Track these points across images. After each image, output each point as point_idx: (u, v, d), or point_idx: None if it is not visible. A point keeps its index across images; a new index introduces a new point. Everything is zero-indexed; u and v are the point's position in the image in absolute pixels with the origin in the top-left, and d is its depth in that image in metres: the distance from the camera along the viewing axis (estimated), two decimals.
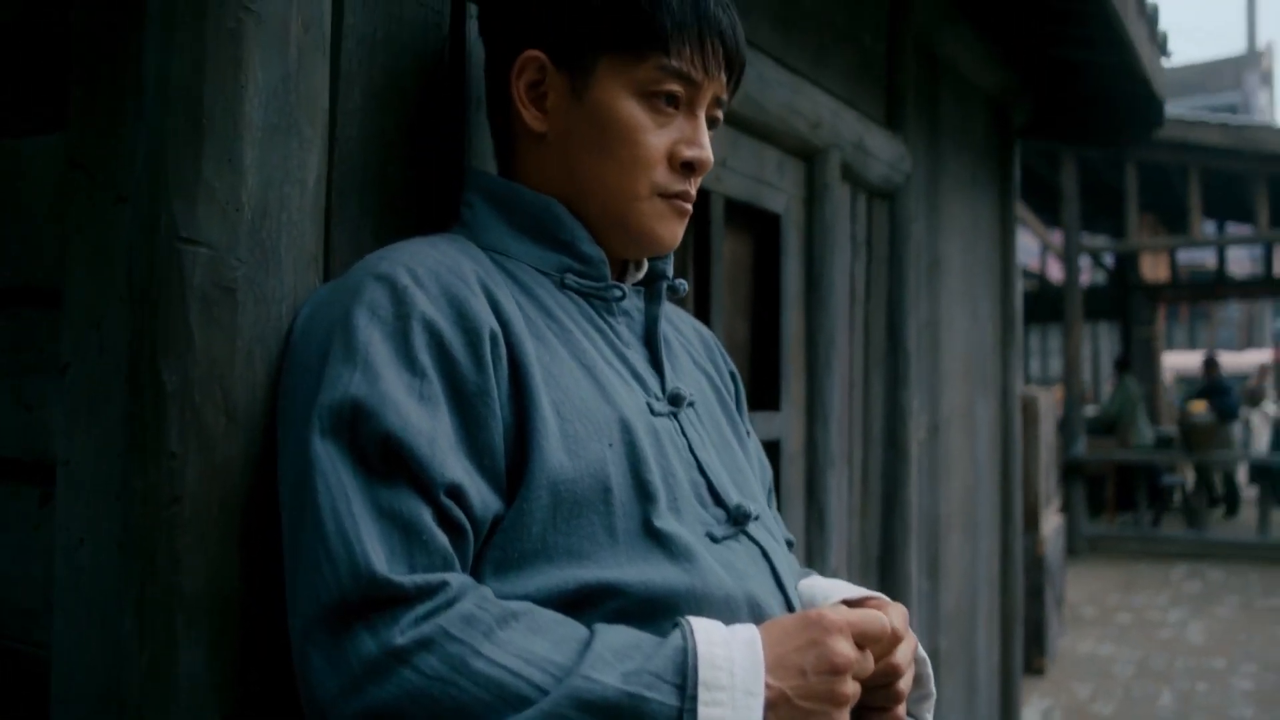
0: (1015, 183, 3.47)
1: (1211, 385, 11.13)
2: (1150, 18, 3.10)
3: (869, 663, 0.92)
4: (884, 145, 2.44)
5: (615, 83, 1.03)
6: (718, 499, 1.04)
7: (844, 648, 0.86)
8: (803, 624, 0.88)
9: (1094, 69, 3.19)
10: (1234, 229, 11.78)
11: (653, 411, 1.04)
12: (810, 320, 2.18)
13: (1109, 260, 12.25)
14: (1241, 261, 17.85)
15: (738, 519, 1.03)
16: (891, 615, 0.97)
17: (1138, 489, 9.71)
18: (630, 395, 1.03)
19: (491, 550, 0.90)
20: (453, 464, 0.87)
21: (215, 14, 0.92)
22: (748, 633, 0.87)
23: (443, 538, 0.85)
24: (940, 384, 2.93)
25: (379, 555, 0.81)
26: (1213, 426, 9.77)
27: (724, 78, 1.08)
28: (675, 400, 1.07)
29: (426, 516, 0.84)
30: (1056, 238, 10.71)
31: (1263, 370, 16.45)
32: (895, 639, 0.96)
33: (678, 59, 1.03)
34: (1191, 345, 21.46)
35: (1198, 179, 8.69)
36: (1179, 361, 17.54)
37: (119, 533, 0.93)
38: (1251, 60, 22.15)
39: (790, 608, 1.04)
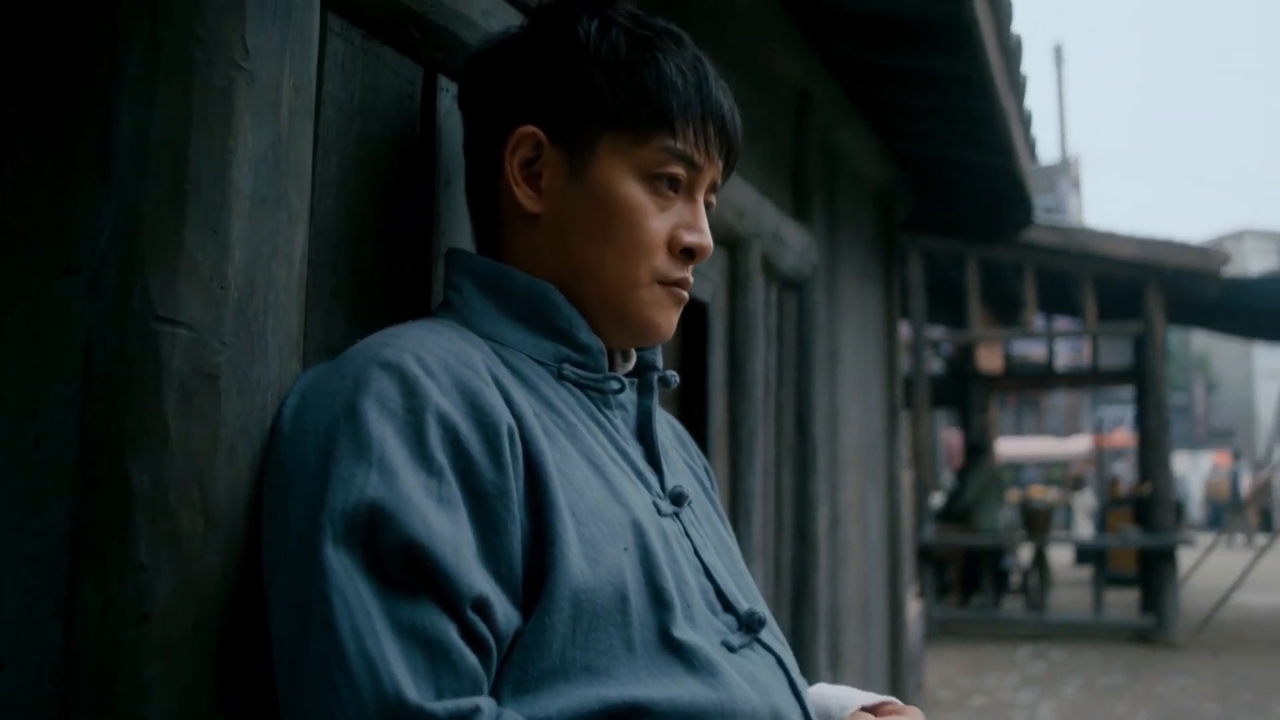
0: (897, 274, 3.57)
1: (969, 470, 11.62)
2: (1026, 122, 3.27)
3: None
4: (796, 236, 2.46)
5: (617, 163, 0.98)
6: (727, 605, 0.97)
7: None
8: None
9: (976, 169, 3.34)
10: (1060, 323, 12.49)
11: (659, 512, 0.97)
12: (733, 411, 2.15)
13: (946, 350, 12.79)
14: (1064, 354, 18.94)
15: (751, 626, 0.97)
16: None
17: (983, 572, 10.00)
18: (638, 495, 0.95)
19: (510, 669, 0.81)
20: (478, 575, 0.78)
21: (203, 70, 0.83)
22: None
23: (472, 658, 0.76)
24: (839, 474, 2.94)
25: (406, 679, 0.72)
26: (1050, 510, 10.20)
27: (721, 163, 1.04)
28: (677, 499, 1.01)
29: (453, 634, 0.76)
30: (903, 329, 11.13)
31: (1084, 462, 17.40)
32: None
33: (682, 141, 0.98)
34: (1019, 432, 22.56)
35: (1032, 276, 9.18)
36: (1009, 448, 18.40)
37: (55, 659, 0.80)
38: (1063, 168, 23.87)
39: (807, 718, 0.97)
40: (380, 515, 0.75)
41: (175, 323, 0.80)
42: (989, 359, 14.00)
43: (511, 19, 1.24)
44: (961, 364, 12.68)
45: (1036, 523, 10.01)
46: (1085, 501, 14.19)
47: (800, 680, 1.01)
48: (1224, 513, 18.24)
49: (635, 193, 0.98)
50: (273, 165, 0.87)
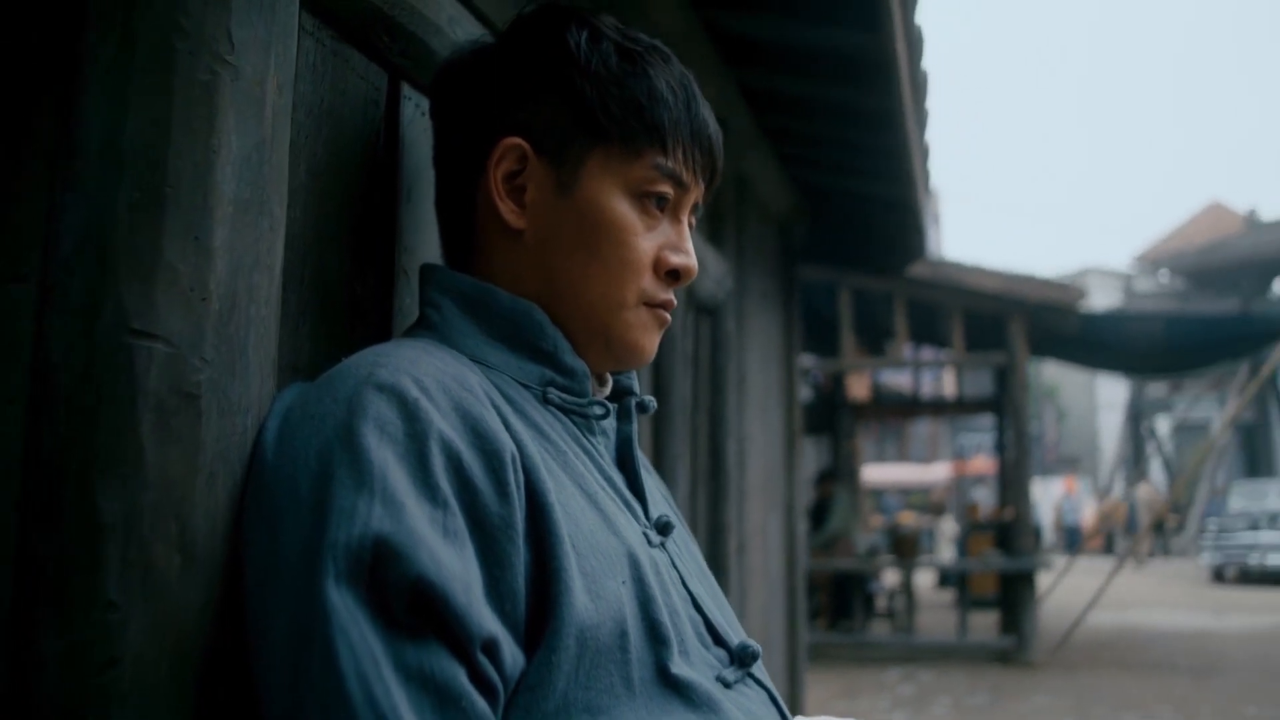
0: (797, 300, 3.61)
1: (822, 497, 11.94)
2: (925, 155, 3.36)
3: None
4: (714, 261, 2.46)
5: (607, 179, 0.94)
6: (717, 638, 0.94)
7: None
8: None
9: (874, 200, 3.41)
10: (926, 353, 12.90)
11: (649, 543, 0.94)
12: (658, 437, 2.12)
13: (816, 378, 13.05)
14: (924, 383, 19.58)
15: (744, 660, 0.94)
16: None
17: (853, 597, 10.20)
18: (629, 525, 0.92)
19: (515, 711, 0.76)
20: (487, 614, 0.74)
21: (185, 64, 0.76)
22: None
23: (482, 703, 0.71)
24: (745, 500, 2.94)
25: None
26: (918, 536, 10.48)
27: (705, 184, 1.02)
28: (664, 529, 0.97)
29: (463, 679, 0.71)
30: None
31: (945, 487, 17.99)
32: None
33: (671, 159, 0.96)
34: (882, 459, 23.19)
35: (903, 307, 9.45)
36: (873, 474, 18.89)
37: None
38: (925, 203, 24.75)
39: None
40: (386, 551, 0.70)
41: (152, 336, 0.73)
42: (857, 387, 14.35)
43: (474, 29, 1.20)
44: (832, 392, 12.96)
45: (905, 548, 10.27)
46: (947, 526, 14.63)
47: (790, 717, 0.98)
48: (1078, 537, 19.09)
49: (625, 211, 0.95)
50: (256, 169, 0.81)
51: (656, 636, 0.85)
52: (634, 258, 0.95)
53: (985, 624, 10.81)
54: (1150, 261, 29.49)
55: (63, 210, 0.75)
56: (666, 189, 0.96)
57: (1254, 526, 16.79)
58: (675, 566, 0.96)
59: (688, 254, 0.99)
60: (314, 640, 0.68)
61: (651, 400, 1.06)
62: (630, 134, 0.94)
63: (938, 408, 13.98)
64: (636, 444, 1.02)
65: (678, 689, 0.84)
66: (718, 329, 2.58)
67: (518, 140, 0.94)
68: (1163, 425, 27.99)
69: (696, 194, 1.00)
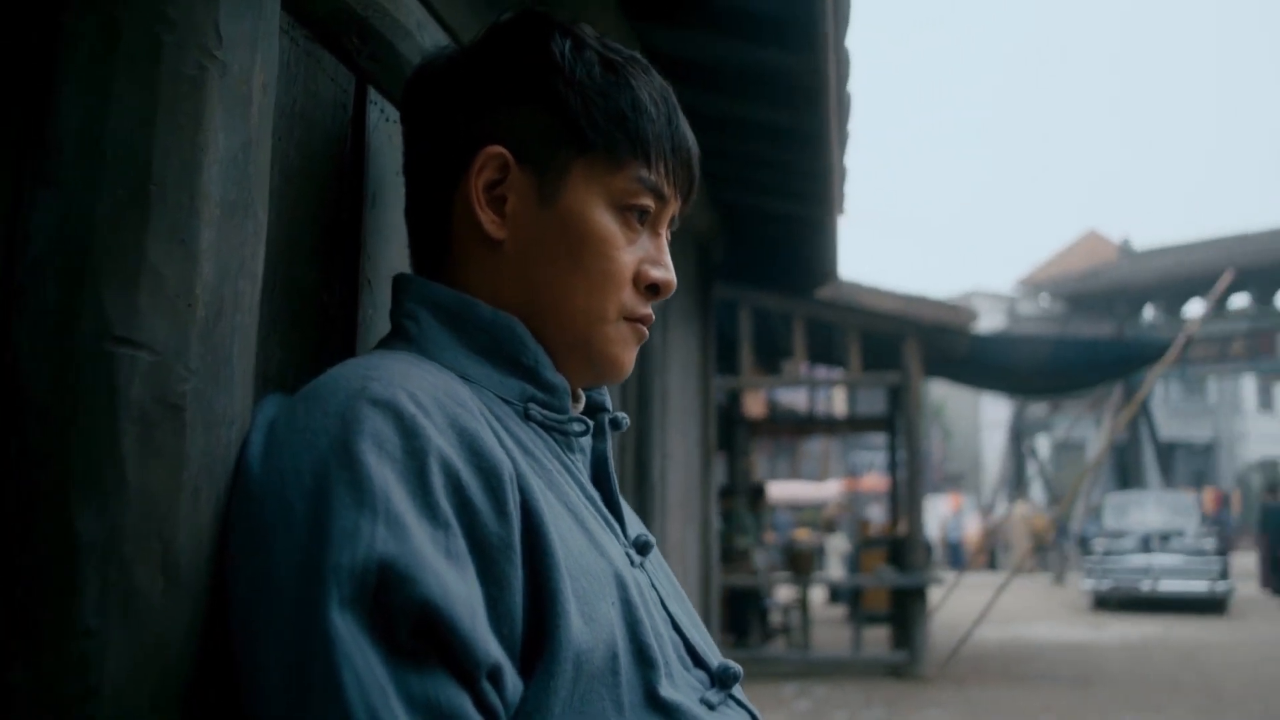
0: (714, 318, 3.63)
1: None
2: (843, 177, 3.41)
3: None
4: None
5: (589, 191, 0.92)
6: (697, 659, 0.93)
7: None
8: None
9: (791, 220, 3.45)
10: (820, 371, 13.12)
11: (631, 563, 0.92)
12: None
13: (716, 396, 13.19)
14: (818, 401, 19.92)
15: (725, 682, 0.93)
16: None
17: (749, 613, 10.28)
18: (613, 545, 0.90)
19: None
20: (492, 640, 0.71)
21: (172, 58, 0.72)
22: None
23: None
24: (666, 516, 2.93)
25: None
26: (813, 552, 10.62)
27: (682, 199, 1.01)
28: (643, 549, 0.96)
29: (469, 708, 0.68)
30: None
31: (838, 505, 18.30)
32: None
33: (654, 172, 0.94)
34: (775, 476, 23.49)
35: (802, 326, 9.59)
36: (768, 491, 19.09)
37: None
38: None
39: None
40: (392, 574, 0.67)
41: (135, 344, 0.69)
42: (753, 405, 14.51)
43: (439, 35, 1.17)
44: (729, 409, 13.08)
45: (801, 564, 10.40)
46: (838, 543, 14.87)
47: None
48: (961, 553, 19.60)
49: (607, 223, 0.93)
50: (242, 169, 0.77)
51: (644, 659, 0.83)
52: (616, 270, 0.94)
53: (877, 638, 11.02)
54: (1032, 286, 30.61)
55: (33, 207, 0.70)
56: (648, 202, 0.95)
57: (1146, 548, 15.37)
58: (655, 587, 0.94)
59: (667, 268, 0.98)
60: (315, 668, 0.65)
61: (625, 417, 1.05)
62: (614, 145, 0.92)
63: (832, 426, 14.22)
64: (612, 461, 1.00)
65: (666, 712, 0.82)
66: (644, 344, 2.57)
67: (499, 149, 0.92)
68: (1043, 444, 29.03)
69: (674, 208, 0.99)
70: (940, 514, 24.41)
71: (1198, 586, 14.84)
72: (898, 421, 11.22)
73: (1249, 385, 39.91)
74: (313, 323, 0.98)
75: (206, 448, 0.72)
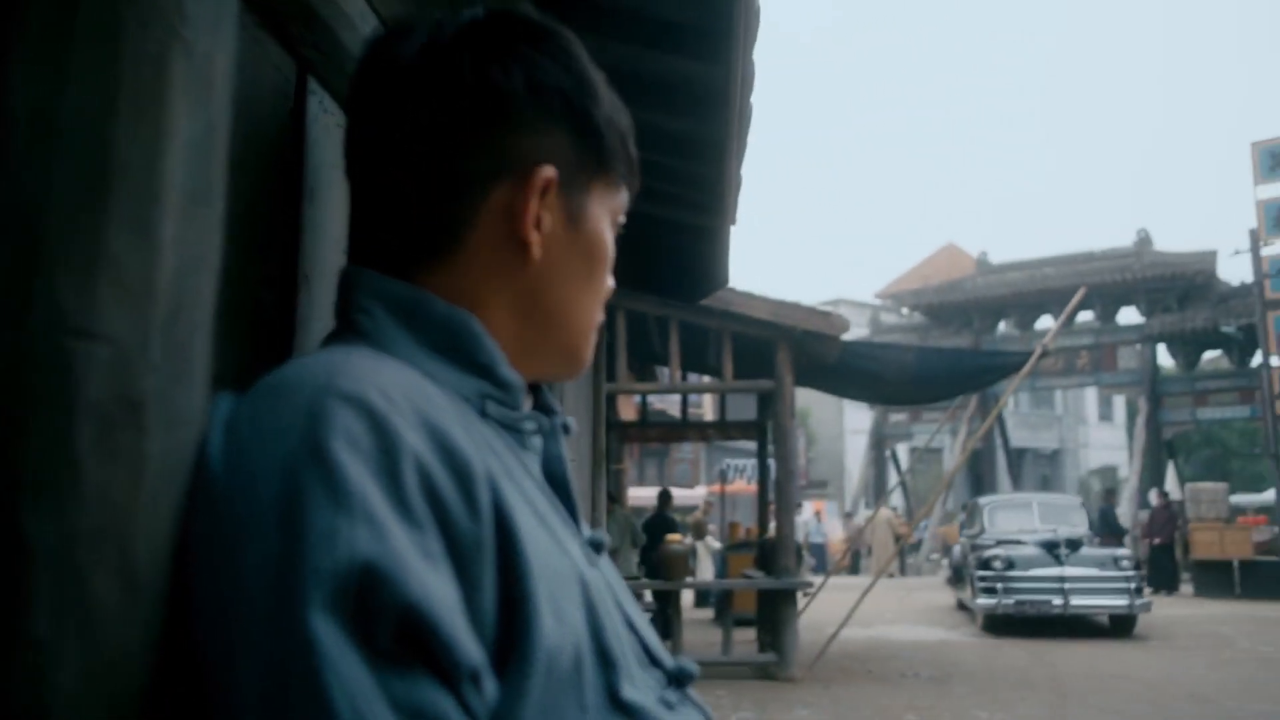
0: (605, 328, 3.63)
1: (662, 517, 12.26)
2: (738, 187, 3.45)
3: None
4: None
5: (601, 210, 0.94)
6: (652, 659, 0.93)
7: None
8: None
9: (685, 229, 3.46)
10: (693, 377, 13.28)
11: (589, 562, 0.91)
12: None
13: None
14: (691, 407, 20.15)
15: (680, 681, 0.93)
16: None
17: None
18: (573, 545, 0.89)
19: None
20: (473, 643, 0.70)
21: (135, 34, 0.68)
22: None
23: None
24: None
25: None
26: (684, 556, 10.71)
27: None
28: (598, 548, 0.95)
29: (453, 712, 0.66)
30: None
31: (707, 504, 18.53)
32: None
33: (631, 190, 0.98)
34: (642, 480, 23.66)
35: (678, 331, 9.67)
36: (637, 495, 19.23)
37: None
38: None
39: None
40: (374, 577, 0.64)
41: (93, 338, 0.65)
42: (626, 410, 14.58)
43: (375, 25, 1.14)
44: (606, 414, 13.12)
45: (675, 568, 10.48)
46: (708, 546, 15.06)
47: None
48: (823, 557, 20.08)
49: (610, 242, 0.96)
50: (204, 156, 0.73)
51: (607, 660, 0.83)
52: (607, 286, 0.97)
53: (744, 640, 11.20)
54: (893, 296, 31.57)
55: None
56: (623, 219, 0.98)
57: (1055, 558, 12.79)
58: (611, 587, 0.93)
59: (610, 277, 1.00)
60: (296, 676, 0.62)
61: (573, 421, 1.04)
62: (618, 165, 0.94)
63: (704, 431, 14.38)
64: (567, 460, 0.99)
65: (628, 713, 0.82)
66: None
67: (554, 171, 0.89)
68: (903, 452, 29.97)
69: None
70: (804, 519, 24.98)
71: (1116, 602, 12.48)
72: (768, 427, 11.41)
73: (1091, 397, 42.12)
74: (251, 320, 0.94)
75: (167, 449, 0.69)
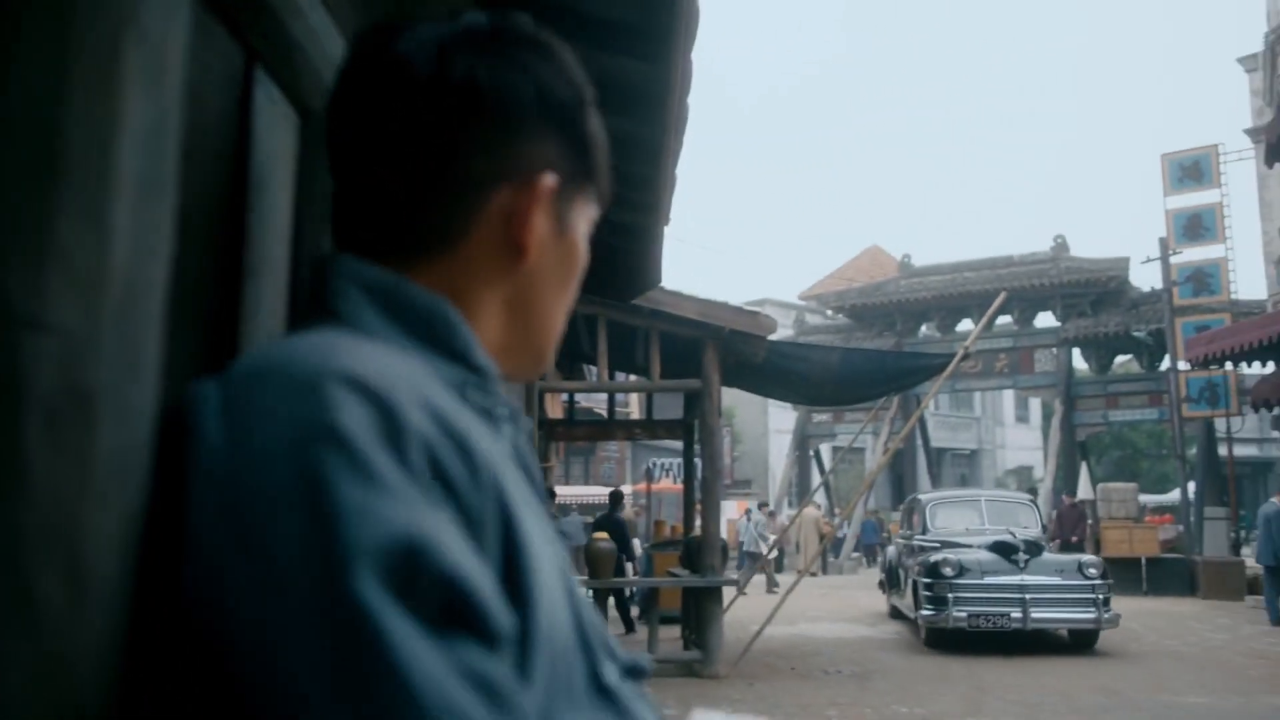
0: None
1: (612, 518, 12.30)
2: (673, 187, 3.45)
3: None
4: None
5: (581, 219, 0.95)
6: (608, 648, 0.94)
7: None
8: None
9: (618, 228, 3.46)
10: (621, 376, 13.30)
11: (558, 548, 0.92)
12: None
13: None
14: (617, 405, 20.16)
15: (636, 674, 0.94)
16: None
17: None
18: (549, 530, 0.90)
19: None
20: (505, 609, 0.71)
21: (86, 15, 0.66)
22: None
23: (522, 700, 0.68)
24: None
25: None
26: (612, 555, 10.73)
27: None
28: (562, 536, 0.96)
29: (504, 674, 0.68)
30: None
31: (638, 509, 18.58)
32: None
33: (603, 203, 1.00)
34: (569, 479, 23.62)
35: (605, 329, 9.67)
36: (564, 493, 19.19)
37: None
38: None
39: None
40: (415, 550, 0.65)
41: (42, 328, 0.63)
42: (553, 407, 14.54)
43: (324, 18, 1.12)
44: (537, 412, 13.07)
45: (601, 567, 10.49)
46: (634, 545, 15.09)
47: None
48: (751, 557, 20.20)
49: (585, 248, 0.97)
50: (157, 144, 0.71)
51: (585, 643, 0.85)
52: (575, 290, 0.98)
53: (669, 637, 11.25)
54: (817, 297, 31.91)
55: None
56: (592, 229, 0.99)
57: (1013, 565, 11.12)
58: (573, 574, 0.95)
59: None
60: (364, 647, 0.62)
61: (528, 418, 1.04)
62: (600, 177, 0.96)
63: (631, 429, 14.40)
64: (534, 451, 1.00)
65: (608, 697, 0.85)
66: None
67: (556, 179, 0.90)
68: (826, 451, 30.35)
69: None
70: (729, 517, 25.16)
71: (1083, 615, 10.92)
72: (695, 426, 11.46)
73: (1009, 399, 43.11)
74: (199, 313, 0.92)
75: (117, 445, 0.67)
